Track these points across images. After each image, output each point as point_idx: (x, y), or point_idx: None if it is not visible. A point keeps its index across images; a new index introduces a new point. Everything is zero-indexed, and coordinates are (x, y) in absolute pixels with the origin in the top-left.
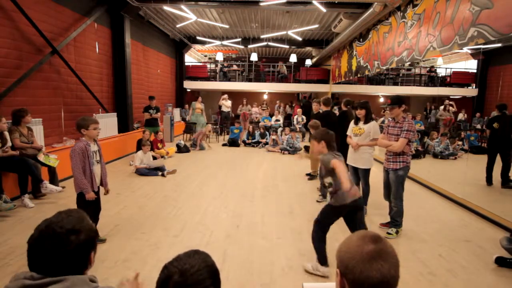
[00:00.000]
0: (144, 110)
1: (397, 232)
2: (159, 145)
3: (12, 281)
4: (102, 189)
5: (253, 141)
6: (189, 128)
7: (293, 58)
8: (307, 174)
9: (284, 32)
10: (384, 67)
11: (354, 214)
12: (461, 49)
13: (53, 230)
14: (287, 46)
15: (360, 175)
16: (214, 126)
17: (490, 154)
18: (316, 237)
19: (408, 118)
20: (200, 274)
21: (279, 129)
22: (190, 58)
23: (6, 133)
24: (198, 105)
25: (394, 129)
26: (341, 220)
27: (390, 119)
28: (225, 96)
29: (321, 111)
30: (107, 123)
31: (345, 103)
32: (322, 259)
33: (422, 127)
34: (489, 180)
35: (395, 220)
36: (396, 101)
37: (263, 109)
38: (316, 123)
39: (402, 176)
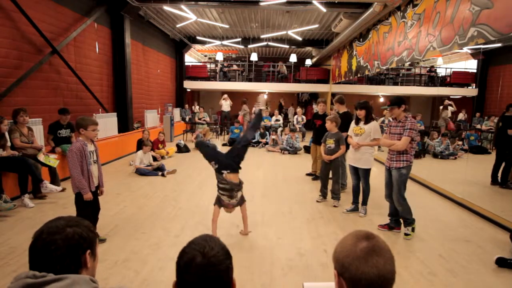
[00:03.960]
0: (51, 131)
1: (413, 230)
2: (160, 145)
3: (14, 281)
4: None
5: (253, 141)
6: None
7: (293, 58)
8: (308, 174)
9: (284, 32)
10: (384, 67)
11: None
12: (461, 49)
13: (51, 223)
14: (287, 46)
15: (361, 175)
16: (214, 126)
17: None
18: None
19: (410, 117)
20: (221, 255)
21: (279, 129)
22: (190, 58)
23: (6, 133)
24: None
25: (396, 128)
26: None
27: (391, 119)
28: (225, 96)
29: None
30: (107, 123)
31: (338, 100)
32: None
33: (422, 127)
34: (494, 179)
35: (406, 218)
36: (395, 101)
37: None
38: (336, 118)
39: (405, 175)
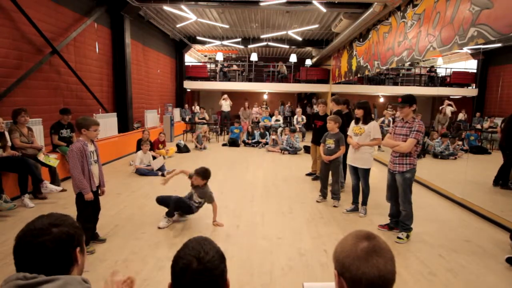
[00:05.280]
0: (55, 131)
1: (407, 237)
2: (160, 146)
3: (4, 284)
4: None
5: (253, 141)
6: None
7: (293, 58)
8: (308, 174)
9: (284, 32)
10: (384, 67)
11: None
12: (461, 49)
13: (34, 224)
14: (287, 46)
15: (360, 175)
16: (214, 126)
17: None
18: None
19: (418, 119)
20: (216, 259)
21: (279, 129)
22: (190, 58)
23: (6, 133)
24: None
25: (402, 129)
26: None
27: (391, 118)
28: (225, 96)
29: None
30: (107, 123)
31: (333, 100)
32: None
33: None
34: (496, 181)
35: (405, 224)
36: (407, 99)
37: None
38: (338, 118)
39: (410, 179)
